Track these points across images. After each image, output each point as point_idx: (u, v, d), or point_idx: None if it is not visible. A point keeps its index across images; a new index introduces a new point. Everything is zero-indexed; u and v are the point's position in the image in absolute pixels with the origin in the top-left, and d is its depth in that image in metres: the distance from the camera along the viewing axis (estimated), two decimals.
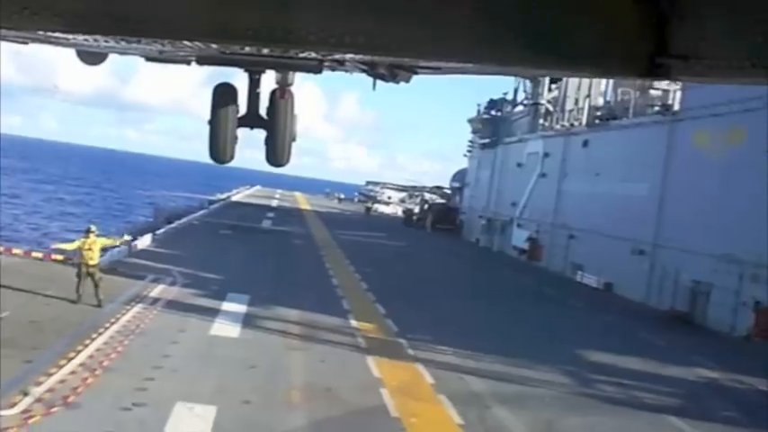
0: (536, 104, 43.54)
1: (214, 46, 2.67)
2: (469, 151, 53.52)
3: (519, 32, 2.15)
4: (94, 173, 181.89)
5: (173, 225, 32.82)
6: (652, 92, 40.32)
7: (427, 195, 76.22)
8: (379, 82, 3.56)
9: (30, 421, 8.95)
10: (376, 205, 69.52)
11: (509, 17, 2.12)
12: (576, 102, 40.44)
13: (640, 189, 30.31)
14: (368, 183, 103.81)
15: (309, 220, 50.13)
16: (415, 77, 3.38)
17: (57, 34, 2.65)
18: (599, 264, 31.54)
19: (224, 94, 4.24)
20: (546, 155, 39.19)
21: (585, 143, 35.19)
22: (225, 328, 15.16)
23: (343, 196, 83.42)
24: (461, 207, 53.06)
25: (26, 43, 3.18)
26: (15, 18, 2.32)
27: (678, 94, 37.66)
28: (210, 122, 4.28)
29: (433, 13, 2.13)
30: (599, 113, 39.83)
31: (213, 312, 16.55)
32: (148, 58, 3.87)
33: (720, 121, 25.56)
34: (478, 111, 52.18)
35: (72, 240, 18.07)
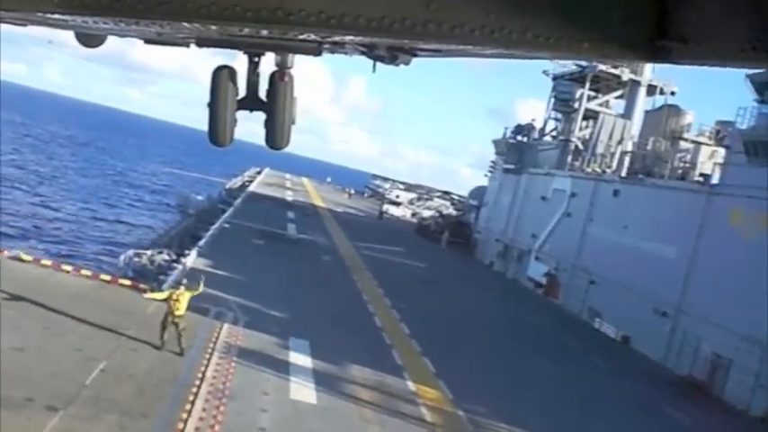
0: (567, 141, 44.35)
1: (213, 27, 2.65)
2: (491, 171, 54.33)
3: (519, 16, 2.18)
4: (102, 139, 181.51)
5: (210, 232, 33.41)
6: (682, 143, 41.47)
7: (436, 201, 77.21)
8: (384, 67, 3.54)
9: None
10: (386, 206, 70.17)
11: (509, 0, 2.17)
12: (608, 145, 41.32)
13: (668, 251, 31.35)
14: (374, 177, 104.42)
15: (329, 224, 50.86)
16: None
17: (55, 16, 2.68)
18: (618, 315, 32.63)
19: (223, 77, 4.23)
20: (573, 195, 40.10)
21: (616, 193, 36.10)
22: (302, 391, 16.04)
23: (353, 192, 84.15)
24: (477, 225, 53.92)
25: (25, 25, 3.17)
26: (14, 0, 2.38)
27: (705, 150, 38.93)
28: (210, 105, 4.28)
29: None
30: (630, 160, 40.88)
31: (284, 366, 17.44)
32: (147, 41, 3.88)
33: (758, 204, 26.59)
34: (504, 133, 52.99)
35: (161, 291, 18.56)
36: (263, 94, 4.41)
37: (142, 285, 21.15)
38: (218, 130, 4.31)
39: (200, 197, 44.95)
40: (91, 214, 61.81)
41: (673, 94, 44.63)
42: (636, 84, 44.02)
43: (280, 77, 4.36)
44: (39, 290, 18.51)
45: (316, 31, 2.42)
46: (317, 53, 3.47)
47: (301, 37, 2.74)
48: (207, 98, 4.22)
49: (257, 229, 38.76)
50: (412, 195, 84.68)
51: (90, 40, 4.66)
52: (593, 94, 46.42)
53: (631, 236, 34.00)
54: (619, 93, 45.55)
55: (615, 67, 44.78)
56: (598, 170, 39.05)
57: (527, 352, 25.75)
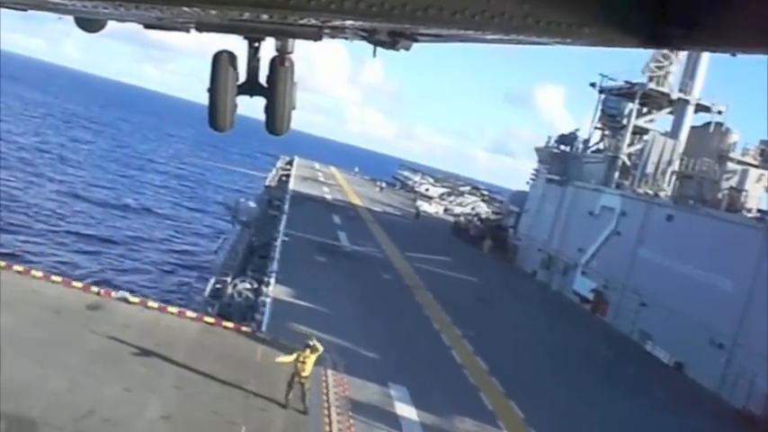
0: (615, 158, 44.96)
1: (213, 12, 2.66)
2: (533, 179, 55.02)
3: (519, 1, 2.17)
4: (122, 120, 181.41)
5: (275, 250, 34.36)
6: (730, 164, 42.06)
7: (468, 198, 77.99)
8: (388, 52, 3.55)
9: None
10: (419, 202, 71.09)
11: None
12: (657, 165, 41.91)
13: (724, 283, 32.17)
14: (402, 166, 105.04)
15: (373, 228, 51.88)
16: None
17: (55, 0, 2.67)
18: (671, 340, 33.58)
19: (224, 62, 4.22)
20: (623, 214, 40.84)
21: (670, 218, 36.80)
22: None
23: (384, 185, 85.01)
24: (517, 232, 54.74)
25: (25, 10, 3.18)
26: None
27: (753, 173, 39.55)
28: (210, 90, 4.28)
29: None
30: (677, 179, 41.52)
31: (394, 419, 18.57)
32: (147, 26, 3.86)
33: None
34: (548, 142, 53.57)
35: (288, 352, 19.14)
36: (263, 79, 4.45)
37: (244, 328, 22.20)
38: (218, 115, 4.35)
39: (251, 203, 45.83)
40: (140, 219, 63.20)
41: (720, 113, 45.11)
42: (684, 102, 44.41)
43: (280, 62, 4.38)
44: (158, 340, 19.58)
45: (316, 15, 2.42)
46: (318, 38, 3.52)
47: (301, 22, 2.74)
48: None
49: (315, 242, 39.83)
50: (442, 189, 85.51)
51: (90, 24, 4.69)
52: (639, 107, 46.84)
53: (685, 263, 34.76)
54: (667, 111, 45.99)
55: (661, 84, 45.18)
56: (650, 192, 39.65)
57: (598, 385, 26.90)
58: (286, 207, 49.01)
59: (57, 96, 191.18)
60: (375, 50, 3.55)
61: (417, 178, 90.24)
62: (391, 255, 42.89)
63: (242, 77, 4.42)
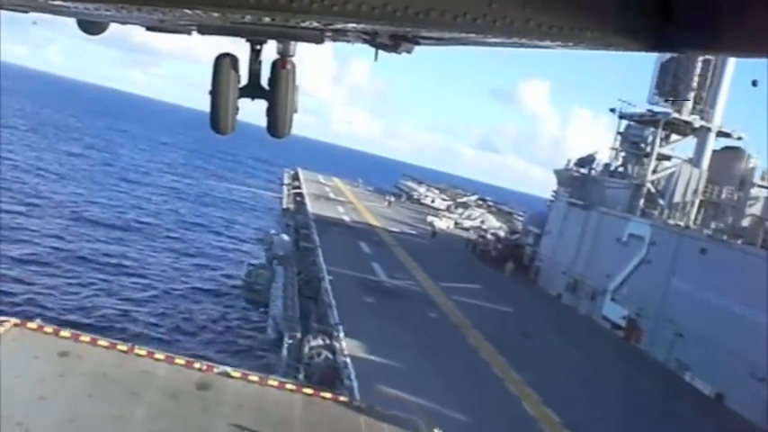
0: (640, 186, 46.40)
1: (215, 15, 2.66)
2: (552, 201, 56.42)
3: (521, 5, 2.17)
4: (113, 129, 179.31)
5: (327, 297, 35.21)
6: (753, 191, 43.73)
7: (477, 211, 79.33)
8: (383, 54, 3.55)
9: None
10: (430, 218, 72.29)
11: None
12: (684, 194, 43.42)
13: (761, 317, 33.76)
14: (404, 176, 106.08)
15: (400, 254, 52.98)
16: (422, 50, 3.41)
17: (57, 2, 2.69)
18: (710, 372, 35.17)
19: (225, 65, 4.21)
20: (653, 243, 42.31)
21: (703, 251, 38.30)
22: None
23: (392, 199, 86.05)
24: (539, 254, 56.10)
25: (26, 12, 3.16)
26: None
27: None
28: (212, 93, 4.26)
29: None
30: (705, 207, 43.06)
31: None
32: (149, 28, 3.86)
33: None
34: (567, 164, 55.01)
35: None
36: (264, 82, 4.46)
37: (342, 398, 23.14)
38: (219, 118, 4.34)
39: (285, 237, 46.59)
40: (145, 242, 63.54)
41: (740, 139, 46.77)
42: (706, 130, 45.95)
43: (282, 65, 4.38)
44: (274, 420, 20.45)
45: (318, 18, 2.43)
46: (320, 41, 3.51)
47: (303, 24, 2.76)
48: (209, 79, 4.27)
49: (356, 279, 40.85)
50: (447, 200, 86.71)
51: (92, 27, 4.68)
52: (661, 133, 48.27)
53: (722, 296, 36.28)
54: (689, 138, 47.51)
55: (679, 112, 46.60)
56: (681, 223, 41.12)
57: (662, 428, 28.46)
58: (316, 237, 49.82)
59: (44, 106, 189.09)
60: (377, 54, 3.57)
61: (422, 190, 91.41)
62: (427, 286, 44.00)
63: (243, 80, 4.44)
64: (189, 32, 3.77)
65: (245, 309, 46.04)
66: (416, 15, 2.19)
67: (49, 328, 22.90)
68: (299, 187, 76.62)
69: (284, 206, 63.61)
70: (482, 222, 75.49)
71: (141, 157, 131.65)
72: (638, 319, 41.88)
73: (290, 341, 28.70)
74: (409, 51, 3.40)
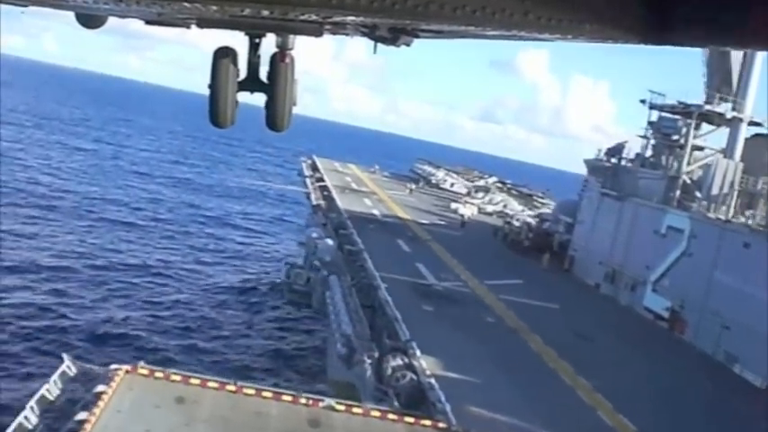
0: (675, 177, 47.35)
1: (214, 8, 2.65)
2: (582, 190, 57.39)
3: None
4: (116, 119, 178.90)
5: (388, 308, 36.26)
6: None
7: (499, 195, 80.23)
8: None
9: None
10: (454, 205, 73.29)
11: None
12: (721, 187, 44.41)
13: None
14: (419, 159, 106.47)
15: (438, 250, 54.03)
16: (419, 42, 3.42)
17: None
18: (759, 363, 36.58)
19: (224, 58, 4.21)
20: (693, 236, 43.43)
21: (747, 245, 39.45)
22: None
23: (414, 186, 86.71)
24: (572, 243, 57.21)
25: (26, 5, 3.18)
26: None
27: None
28: (211, 86, 4.27)
29: None
30: (740, 198, 44.09)
31: None
32: (148, 21, 3.86)
33: None
34: (598, 153, 55.91)
35: None
36: (263, 75, 4.50)
37: (441, 425, 24.35)
38: (218, 112, 4.37)
39: (329, 241, 47.46)
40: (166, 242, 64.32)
41: None
42: (738, 120, 46.78)
43: (281, 59, 4.40)
44: None
45: (317, 11, 2.43)
46: (319, 34, 3.55)
47: (302, 18, 2.77)
48: (204, 61, 4.32)
49: (407, 284, 41.93)
50: (467, 183, 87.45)
51: (90, 20, 4.70)
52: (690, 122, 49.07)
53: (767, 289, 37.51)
54: (722, 128, 48.36)
55: (710, 103, 47.36)
56: (721, 216, 42.18)
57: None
58: (357, 238, 50.69)
59: (47, 99, 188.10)
60: (376, 47, 3.59)
61: (441, 174, 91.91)
62: (474, 286, 45.13)
63: (242, 74, 4.48)
64: (188, 26, 3.80)
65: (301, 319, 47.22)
66: (415, 8, 2.19)
67: (159, 373, 23.96)
68: (321, 179, 77.09)
69: (314, 202, 64.18)
70: (504, 206, 76.47)
71: (150, 148, 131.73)
72: (682, 311, 43.16)
73: (369, 361, 29.75)
74: (408, 44, 3.43)
